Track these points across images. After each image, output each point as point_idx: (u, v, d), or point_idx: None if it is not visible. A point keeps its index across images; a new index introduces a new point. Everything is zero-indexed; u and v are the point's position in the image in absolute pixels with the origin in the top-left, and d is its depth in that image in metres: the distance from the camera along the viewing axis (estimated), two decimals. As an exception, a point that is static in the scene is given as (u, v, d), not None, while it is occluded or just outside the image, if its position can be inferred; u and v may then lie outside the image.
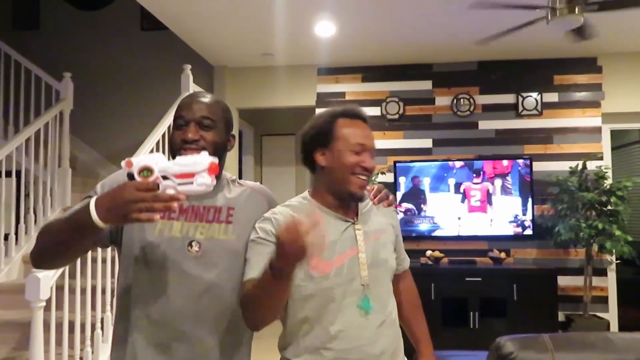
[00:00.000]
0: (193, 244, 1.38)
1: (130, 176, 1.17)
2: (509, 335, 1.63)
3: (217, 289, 1.39)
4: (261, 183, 6.34)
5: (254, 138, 6.42)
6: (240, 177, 5.88)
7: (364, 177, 1.44)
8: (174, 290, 1.36)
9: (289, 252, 1.14)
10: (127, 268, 1.41)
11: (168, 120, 3.87)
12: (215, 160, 1.20)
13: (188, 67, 4.23)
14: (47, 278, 2.35)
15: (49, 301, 2.51)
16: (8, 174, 3.82)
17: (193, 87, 4.27)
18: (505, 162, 4.73)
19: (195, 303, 1.36)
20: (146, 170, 1.16)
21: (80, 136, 5.27)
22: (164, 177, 1.16)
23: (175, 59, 4.70)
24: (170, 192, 1.14)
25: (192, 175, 1.16)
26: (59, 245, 1.24)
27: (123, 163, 1.19)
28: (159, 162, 1.17)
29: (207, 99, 1.45)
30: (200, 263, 1.37)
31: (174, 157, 1.38)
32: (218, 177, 1.46)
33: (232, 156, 5.22)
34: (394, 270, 1.56)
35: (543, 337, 1.59)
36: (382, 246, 1.49)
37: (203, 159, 1.18)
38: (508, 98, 4.96)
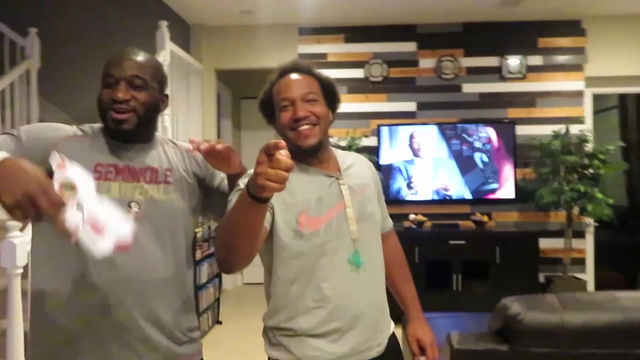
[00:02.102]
0: (132, 205, 1.32)
1: (50, 172, 1.02)
2: (514, 296, 1.60)
3: (161, 252, 1.34)
4: (240, 148, 6.17)
5: (232, 101, 6.22)
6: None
7: (303, 127, 1.35)
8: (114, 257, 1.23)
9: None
10: (49, 236, 1.28)
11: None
12: (129, 239, 1.07)
13: (164, 23, 4.00)
14: (24, 243, 2.21)
15: (26, 268, 2.38)
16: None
17: (170, 46, 4.06)
18: (488, 126, 4.70)
19: (137, 267, 1.29)
20: (70, 188, 1.01)
21: (48, 98, 4.98)
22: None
23: (150, 17, 4.43)
24: (68, 224, 0.99)
25: (101, 231, 1.02)
26: None
27: (55, 162, 1.04)
28: (84, 191, 1.02)
29: (139, 56, 1.37)
30: (141, 225, 1.30)
31: (102, 117, 1.33)
32: (151, 137, 1.42)
33: (209, 119, 5.05)
34: (381, 225, 1.53)
35: (549, 297, 1.56)
36: (367, 200, 1.46)
37: (122, 227, 1.05)
38: (492, 61, 4.90)
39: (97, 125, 1.41)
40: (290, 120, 1.36)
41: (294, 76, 1.40)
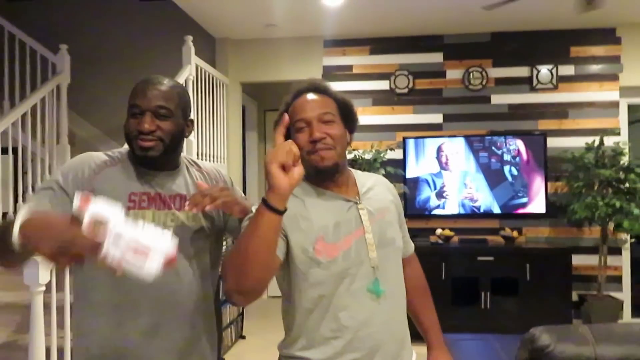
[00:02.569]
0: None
1: (76, 218, 1.00)
2: (543, 326, 1.51)
3: (189, 276, 1.40)
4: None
5: (257, 113, 6.25)
6: (244, 154, 5.79)
7: (321, 148, 1.31)
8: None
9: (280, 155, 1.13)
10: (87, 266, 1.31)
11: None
12: (174, 251, 1.03)
13: (189, 38, 4.04)
14: (46, 262, 2.24)
15: (49, 284, 2.40)
16: (4, 150, 3.68)
17: (195, 60, 4.09)
18: (518, 138, 4.57)
19: (163, 292, 1.35)
20: (101, 222, 0.99)
21: (78, 111, 5.10)
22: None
23: (176, 31, 4.49)
24: (110, 260, 0.97)
25: (145, 253, 0.99)
26: None
27: (78, 198, 1.02)
28: (116, 221, 1.00)
29: (162, 85, 1.39)
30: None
31: (129, 144, 1.38)
32: (177, 163, 1.46)
33: (234, 132, 5.06)
34: (402, 251, 1.47)
35: (581, 328, 1.47)
36: (387, 225, 1.41)
37: (164, 243, 1.02)
38: (522, 71, 4.78)
39: (125, 150, 1.46)
40: (307, 142, 1.31)
41: (310, 96, 1.36)
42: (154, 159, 1.37)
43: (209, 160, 4.47)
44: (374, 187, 1.45)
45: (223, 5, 4.13)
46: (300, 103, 1.35)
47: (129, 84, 1.37)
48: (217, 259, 1.53)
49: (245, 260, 1.13)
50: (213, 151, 4.58)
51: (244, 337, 4.42)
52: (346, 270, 1.30)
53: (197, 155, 4.16)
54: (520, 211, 4.55)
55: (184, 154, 1.53)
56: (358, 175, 1.47)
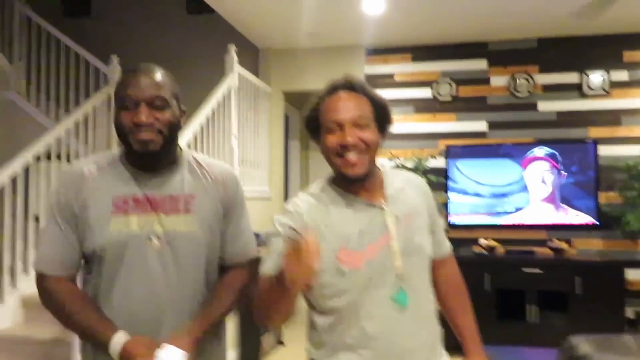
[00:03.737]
0: (152, 237, 1.27)
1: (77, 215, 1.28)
2: (583, 335, 1.43)
3: (181, 286, 1.30)
4: (308, 168, 6.23)
5: (299, 122, 6.30)
6: (286, 163, 5.84)
7: (350, 156, 1.25)
8: (137, 290, 1.27)
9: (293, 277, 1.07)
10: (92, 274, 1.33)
11: (211, 104, 3.80)
12: None
13: (233, 47, 4.14)
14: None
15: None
16: (58, 156, 3.86)
17: (238, 69, 4.18)
18: (567, 146, 4.40)
19: (158, 301, 1.28)
20: None
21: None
22: None
23: (220, 42, 4.62)
24: None
25: None
26: None
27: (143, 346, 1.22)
28: None
29: (154, 73, 1.30)
30: (162, 258, 1.27)
31: (124, 141, 1.28)
32: (174, 158, 1.35)
33: (276, 141, 5.12)
34: (431, 257, 1.39)
35: (624, 338, 1.38)
36: (415, 231, 1.33)
37: None
38: (571, 77, 4.60)
39: (114, 153, 1.37)
40: (337, 145, 1.26)
41: (345, 95, 1.29)
42: (153, 154, 1.27)
43: (251, 168, 4.54)
44: (404, 188, 1.38)
45: (266, 16, 4.21)
46: (334, 101, 1.28)
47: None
48: (214, 264, 1.41)
49: (268, 313, 1.22)
50: (255, 159, 4.65)
51: (282, 344, 4.43)
52: (370, 280, 1.26)
53: (239, 163, 4.23)
54: (570, 222, 4.35)
55: (192, 151, 1.45)
56: (387, 174, 1.39)
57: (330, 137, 1.27)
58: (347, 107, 1.26)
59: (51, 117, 4.53)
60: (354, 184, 1.30)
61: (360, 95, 1.30)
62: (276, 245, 1.26)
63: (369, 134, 1.26)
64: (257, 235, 4.81)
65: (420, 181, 1.46)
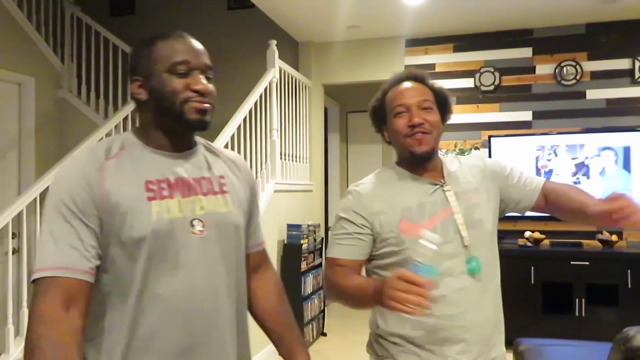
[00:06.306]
0: (195, 223, 1.14)
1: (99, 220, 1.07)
2: (638, 326, 1.40)
3: (228, 270, 1.18)
4: (347, 161, 6.21)
5: (339, 115, 6.32)
6: (326, 157, 5.86)
7: (418, 134, 1.36)
8: (183, 278, 1.12)
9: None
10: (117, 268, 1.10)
11: (253, 98, 3.86)
12: None
13: (273, 42, 4.18)
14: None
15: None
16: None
17: (278, 63, 4.23)
18: (617, 135, 4.24)
19: (210, 288, 1.15)
20: None
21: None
22: None
23: (260, 37, 4.68)
24: None
25: None
26: None
27: None
28: None
29: (198, 43, 1.18)
30: (207, 244, 1.15)
31: (172, 109, 1.11)
32: (192, 141, 1.23)
33: (317, 134, 5.15)
34: (493, 234, 1.44)
35: (683, 331, 1.34)
36: (475, 206, 1.40)
37: None
38: (622, 63, 4.43)
39: (125, 135, 1.19)
40: (405, 126, 1.37)
41: (409, 84, 1.42)
42: (206, 125, 1.15)
43: (293, 162, 4.59)
44: (458, 171, 1.45)
45: (306, 10, 4.24)
46: (399, 90, 1.41)
47: (217, 88, 1.18)
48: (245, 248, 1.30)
49: (346, 304, 1.39)
50: (296, 152, 4.70)
51: (325, 335, 4.48)
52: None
53: (281, 156, 4.28)
54: (620, 214, 4.20)
55: (201, 139, 1.30)
56: (446, 161, 1.48)
57: (398, 120, 1.39)
58: (412, 93, 1.40)
59: (100, 114, 4.70)
60: (419, 164, 1.40)
61: (422, 84, 1.43)
62: (339, 230, 1.40)
63: (433, 116, 1.39)
64: (298, 227, 4.84)
65: (475, 160, 1.51)
